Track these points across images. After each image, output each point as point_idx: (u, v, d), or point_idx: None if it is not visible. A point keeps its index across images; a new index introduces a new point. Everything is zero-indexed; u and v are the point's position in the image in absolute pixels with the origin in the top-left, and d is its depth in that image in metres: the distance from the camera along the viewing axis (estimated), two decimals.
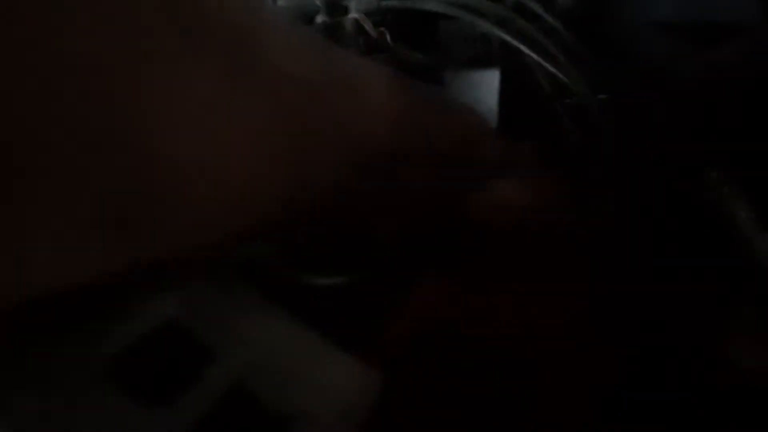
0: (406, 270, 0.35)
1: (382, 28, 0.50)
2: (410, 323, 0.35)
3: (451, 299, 0.37)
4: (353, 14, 0.50)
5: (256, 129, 0.18)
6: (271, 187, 0.19)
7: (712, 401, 0.44)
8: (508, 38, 0.44)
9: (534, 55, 0.44)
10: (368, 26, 0.50)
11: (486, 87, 0.48)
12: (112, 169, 0.15)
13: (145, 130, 0.15)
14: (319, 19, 0.54)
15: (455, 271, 0.37)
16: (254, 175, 0.18)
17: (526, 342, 0.39)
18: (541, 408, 0.38)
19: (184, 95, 0.16)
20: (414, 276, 0.35)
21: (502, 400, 0.36)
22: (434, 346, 0.36)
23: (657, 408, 0.44)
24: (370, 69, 0.26)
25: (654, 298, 0.48)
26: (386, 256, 0.33)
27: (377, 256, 0.33)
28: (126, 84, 0.15)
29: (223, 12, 0.18)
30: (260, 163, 0.19)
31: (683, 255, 0.48)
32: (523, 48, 0.44)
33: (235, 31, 0.18)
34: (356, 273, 0.33)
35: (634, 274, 0.47)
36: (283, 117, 0.19)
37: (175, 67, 0.16)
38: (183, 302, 0.23)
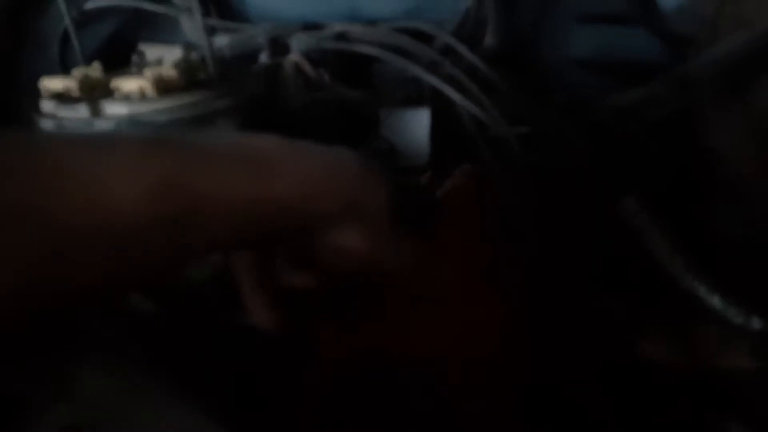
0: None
1: (320, 69, 0.53)
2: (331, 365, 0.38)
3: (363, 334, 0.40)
4: (292, 56, 0.53)
5: None
6: None
7: (631, 390, 0.49)
8: (434, 82, 0.48)
9: (458, 97, 0.47)
10: (307, 67, 0.52)
11: (418, 124, 0.51)
12: None
13: None
14: (262, 58, 0.57)
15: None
16: None
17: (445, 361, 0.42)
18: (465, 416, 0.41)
19: None
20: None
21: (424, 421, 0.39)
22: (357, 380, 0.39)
23: (578, 401, 0.48)
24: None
25: (578, 310, 0.52)
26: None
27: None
28: None
29: None
30: None
31: (603, 275, 0.52)
32: (448, 90, 0.47)
33: None
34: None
35: (557, 291, 0.51)
36: None
37: None
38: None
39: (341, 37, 0.56)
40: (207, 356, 0.36)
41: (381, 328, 0.41)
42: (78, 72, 0.46)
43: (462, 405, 0.42)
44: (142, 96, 0.43)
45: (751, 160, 0.44)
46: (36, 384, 0.25)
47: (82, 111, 0.43)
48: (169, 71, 0.45)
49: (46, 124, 0.44)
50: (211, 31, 0.63)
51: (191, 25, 0.60)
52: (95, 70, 0.47)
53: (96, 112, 0.43)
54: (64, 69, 0.63)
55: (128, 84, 0.44)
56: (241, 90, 0.47)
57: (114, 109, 0.43)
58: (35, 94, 0.46)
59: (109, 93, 0.45)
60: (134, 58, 0.52)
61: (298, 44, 0.56)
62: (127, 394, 0.25)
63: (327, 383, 0.38)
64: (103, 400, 0.24)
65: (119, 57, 0.53)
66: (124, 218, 0.23)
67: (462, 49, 0.52)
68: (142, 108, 0.43)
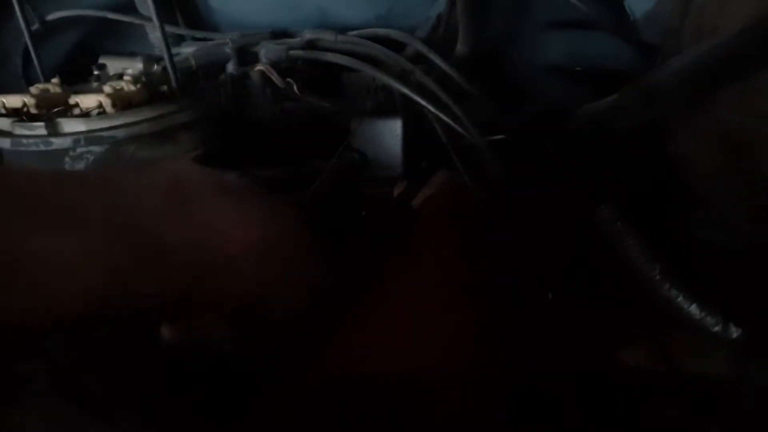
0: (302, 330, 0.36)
1: (289, 79, 0.51)
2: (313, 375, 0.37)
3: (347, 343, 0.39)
4: (260, 65, 0.52)
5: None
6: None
7: (609, 397, 0.49)
8: (405, 90, 0.47)
9: (428, 106, 0.46)
10: (275, 77, 0.51)
11: (389, 134, 0.50)
12: None
13: None
14: (229, 68, 0.55)
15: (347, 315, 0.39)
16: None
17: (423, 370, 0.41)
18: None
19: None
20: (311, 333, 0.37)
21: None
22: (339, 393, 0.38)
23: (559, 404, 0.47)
24: None
25: (556, 319, 0.51)
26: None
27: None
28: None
29: None
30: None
31: (580, 283, 0.52)
32: (418, 99, 0.46)
33: None
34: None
35: (534, 299, 0.51)
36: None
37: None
38: None
39: (310, 45, 0.55)
40: (166, 384, 0.35)
41: (357, 342, 0.40)
42: (37, 88, 0.45)
43: (434, 419, 0.41)
44: (102, 112, 0.42)
45: (720, 170, 0.44)
46: None
47: (39, 129, 0.42)
48: (129, 86, 0.43)
49: (3, 143, 0.43)
50: (178, 40, 0.62)
51: (157, 35, 0.59)
52: (55, 85, 0.45)
53: (54, 129, 0.42)
54: (28, 82, 0.61)
55: (87, 100, 0.42)
56: (205, 103, 0.46)
57: (72, 126, 0.42)
58: None
59: (68, 109, 0.43)
60: (96, 71, 0.50)
61: (267, 53, 0.55)
62: None
63: (303, 402, 0.37)
64: None
65: (86, 66, 0.52)
66: None
67: (433, 56, 0.51)
68: (100, 124, 0.41)
